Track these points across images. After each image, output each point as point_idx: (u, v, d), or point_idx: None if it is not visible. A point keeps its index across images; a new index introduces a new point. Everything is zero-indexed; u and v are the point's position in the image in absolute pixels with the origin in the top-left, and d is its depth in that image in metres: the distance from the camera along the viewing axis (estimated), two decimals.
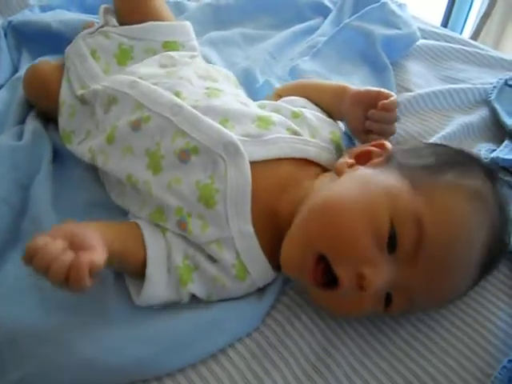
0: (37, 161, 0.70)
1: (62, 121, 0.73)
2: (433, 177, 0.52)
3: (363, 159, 0.59)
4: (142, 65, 0.72)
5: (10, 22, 0.94)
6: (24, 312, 0.54)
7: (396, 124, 0.67)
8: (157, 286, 0.54)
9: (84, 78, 0.73)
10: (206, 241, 0.55)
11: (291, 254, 0.54)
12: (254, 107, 0.66)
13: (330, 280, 0.51)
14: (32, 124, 0.76)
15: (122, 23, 0.80)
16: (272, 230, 0.57)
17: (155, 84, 0.64)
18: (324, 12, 1.08)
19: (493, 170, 0.57)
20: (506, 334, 0.57)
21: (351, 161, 0.59)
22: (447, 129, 0.79)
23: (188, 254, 0.56)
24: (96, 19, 0.90)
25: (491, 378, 0.53)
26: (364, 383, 0.53)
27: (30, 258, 0.44)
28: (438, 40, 1.03)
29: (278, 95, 0.75)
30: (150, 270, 0.54)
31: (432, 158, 0.55)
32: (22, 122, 0.79)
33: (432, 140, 0.77)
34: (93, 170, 0.69)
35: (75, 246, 0.45)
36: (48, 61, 0.82)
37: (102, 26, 0.79)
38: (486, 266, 0.54)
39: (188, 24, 0.81)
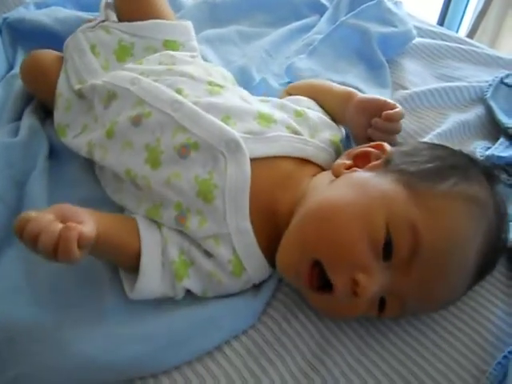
0: (32, 157, 0.70)
1: (58, 114, 0.73)
2: (430, 182, 0.51)
3: (361, 161, 0.59)
4: (142, 61, 0.72)
5: (5, 19, 0.93)
6: (20, 310, 0.54)
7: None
8: (151, 280, 0.54)
9: (82, 73, 0.73)
10: (203, 236, 0.56)
11: (287, 258, 0.54)
12: (255, 103, 0.66)
13: (325, 283, 0.51)
14: (28, 120, 0.76)
15: (121, 20, 0.80)
16: (269, 227, 0.57)
17: (156, 81, 0.64)
18: (320, 10, 1.08)
19: (492, 172, 0.57)
20: (500, 330, 0.57)
21: (349, 162, 0.59)
22: (443, 126, 0.80)
23: (184, 249, 0.56)
24: (92, 17, 0.89)
25: (486, 375, 0.53)
26: (361, 381, 0.53)
27: (21, 229, 0.44)
28: (434, 38, 1.03)
29: (288, 93, 0.76)
30: (144, 262, 0.54)
31: (430, 162, 0.54)
32: (18, 118, 0.78)
33: (428, 137, 0.77)
34: (89, 167, 0.69)
35: (66, 219, 0.46)
36: (50, 51, 0.82)
37: (102, 21, 0.79)
38: (482, 271, 0.54)
39: (189, 24, 0.81)
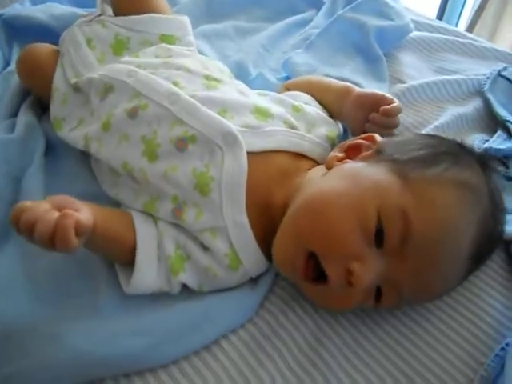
0: (29, 153, 0.70)
1: (54, 107, 0.73)
2: (422, 170, 0.51)
3: (353, 152, 0.59)
4: (139, 54, 0.72)
5: (0, 16, 0.93)
6: (16, 307, 0.54)
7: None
8: (147, 274, 0.54)
9: (78, 66, 0.72)
10: (199, 228, 0.56)
11: (283, 251, 0.54)
12: (253, 97, 0.66)
13: (320, 275, 0.51)
14: (25, 116, 0.76)
15: (118, 14, 0.79)
16: (265, 221, 0.57)
17: (153, 74, 0.64)
18: (317, 4, 1.08)
19: (485, 159, 0.57)
20: (498, 322, 0.57)
21: (341, 155, 0.59)
22: (441, 119, 0.79)
23: (180, 243, 0.56)
24: (88, 13, 0.89)
25: (484, 366, 0.53)
26: (357, 372, 0.53)
27: (17, 218, 0.44)
28: (431, 32, 1.03)
29: (286, 88, 0.76)
30: (140, 256, 0.54)
31: (423, 150, 0.54)
32: (15, 115, 0.78)
33: (425, 131, 0.77)
34: (85, 162, 0.69)
35: (62, 208, 0.45)
36: (45, 44, 0.82)
37: (99, 15, 0.79)
38: (477, 259, 0.54)
39: (186, 19, 0.80)
